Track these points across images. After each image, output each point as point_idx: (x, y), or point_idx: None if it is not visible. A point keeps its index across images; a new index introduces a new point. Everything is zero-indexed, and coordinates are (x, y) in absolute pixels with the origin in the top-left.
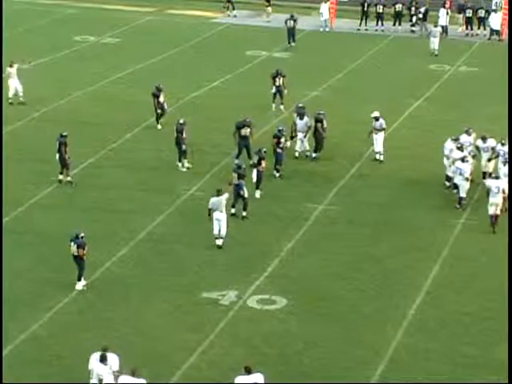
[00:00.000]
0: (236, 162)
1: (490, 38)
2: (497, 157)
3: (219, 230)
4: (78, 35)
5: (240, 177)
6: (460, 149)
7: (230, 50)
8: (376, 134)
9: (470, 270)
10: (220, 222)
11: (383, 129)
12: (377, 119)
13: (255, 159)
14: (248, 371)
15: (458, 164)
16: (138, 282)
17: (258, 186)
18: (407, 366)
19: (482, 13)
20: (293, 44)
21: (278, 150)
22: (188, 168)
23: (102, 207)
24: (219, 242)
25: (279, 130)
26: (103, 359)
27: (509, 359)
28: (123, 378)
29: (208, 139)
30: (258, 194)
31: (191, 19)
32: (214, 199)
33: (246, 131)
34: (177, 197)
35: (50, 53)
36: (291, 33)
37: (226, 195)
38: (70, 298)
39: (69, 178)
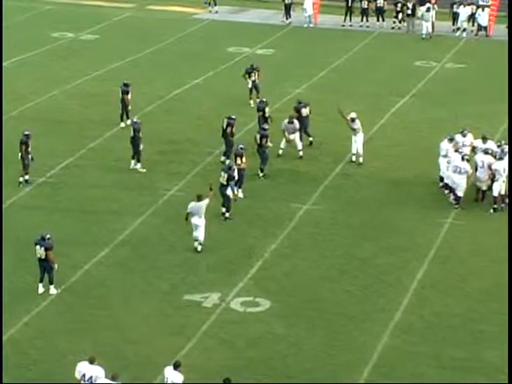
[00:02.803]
0: (227, 162)
1: (477, 34)
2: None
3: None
4: (56, 32)
5: (230, 178)
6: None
7: (212, 46)
8: (355, 135)
9: (458, 271)
10: (198, 228)
11: (359, 130)
12: (353, 120)
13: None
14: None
15: (458, 163)
16: (118, 284)
17: (240, 185)
18: (394, 369)
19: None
20: (290, 20)
21: (265, 150)
22: (141, 171)
23: (82, 208)
24: (198, 246)
25: (264, 129)
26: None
27: (509, 359)
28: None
29: (189, 138)
30: (240, 193)
31: (172, 15)
32: (193, 204)
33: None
34: (157, 197)
35: (28, 50)
36: (288, 8)
37: (206, 201)
38: (48, 301)
39: (22, 179)
